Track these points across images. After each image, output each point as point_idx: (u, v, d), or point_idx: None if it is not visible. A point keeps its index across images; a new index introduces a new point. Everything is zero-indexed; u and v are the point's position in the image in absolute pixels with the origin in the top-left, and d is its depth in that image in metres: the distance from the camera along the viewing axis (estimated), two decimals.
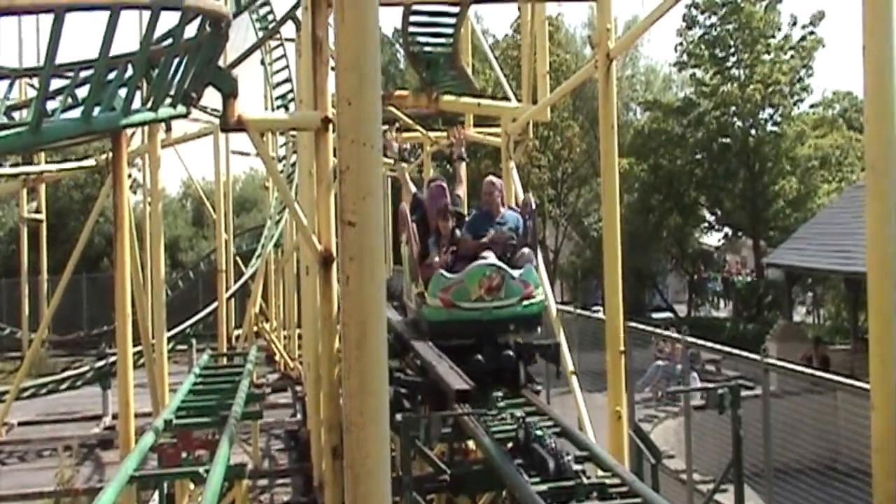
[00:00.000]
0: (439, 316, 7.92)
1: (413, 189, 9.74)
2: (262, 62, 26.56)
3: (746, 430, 7.53)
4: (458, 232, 8.70)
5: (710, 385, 7.32)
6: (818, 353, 20.49)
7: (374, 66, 3.23)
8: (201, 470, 6.84)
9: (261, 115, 12.54)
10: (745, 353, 9.06)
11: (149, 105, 7.04)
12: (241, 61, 18.75)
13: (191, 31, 6.90)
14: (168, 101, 7.32)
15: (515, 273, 7.94)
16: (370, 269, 3.25)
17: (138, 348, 14.18)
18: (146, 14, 6.69)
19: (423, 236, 8.82)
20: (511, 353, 7.76)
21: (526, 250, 8.40)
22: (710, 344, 10.78)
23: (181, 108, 7.38)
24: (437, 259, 8.39)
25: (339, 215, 3.29)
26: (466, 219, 8.97)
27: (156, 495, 7.93)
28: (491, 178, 9.12)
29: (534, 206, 8.89)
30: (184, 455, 7.88)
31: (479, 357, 7.58)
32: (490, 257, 8.09)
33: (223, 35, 7.26)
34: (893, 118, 5.13)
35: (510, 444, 6.77)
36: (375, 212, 3.26)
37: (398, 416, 6.38)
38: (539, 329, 8.28)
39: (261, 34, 23.21)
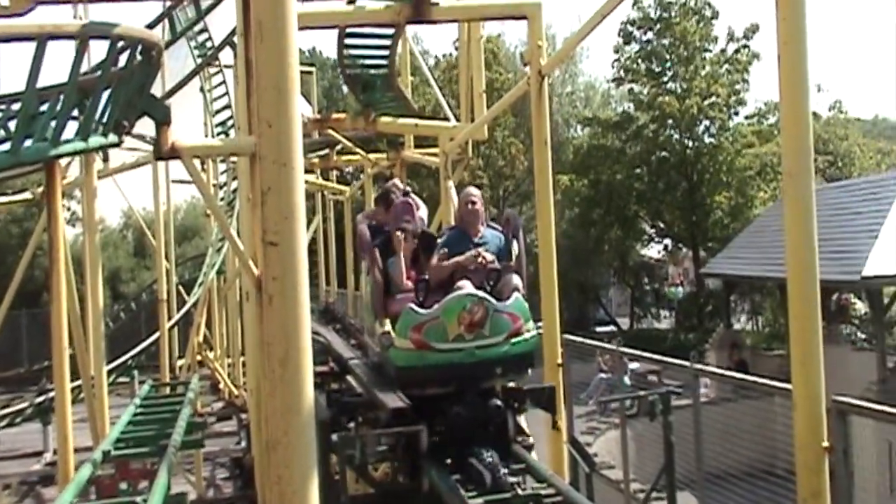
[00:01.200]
0: (410, 360, 6.60)
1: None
2: (202, 90, 26.42)
3: (685, 438, 7.66)
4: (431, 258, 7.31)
5: (642, 393, 7.45)
6: (733, 358, 20.94)
7: (293, 89, 3.30)
8: (139, 500, 6.76)
9: (194, 142, 12.45)
10: (674, 361, 9.13)
11: (79, 135, 7.02)
12: (178, 89, 18.63)
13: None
14: (100, 130, 7.30)
15: (501, 305, 6.63)
16: (293, 289, 3.30)
17: (78, 382, 13.98)
18: None
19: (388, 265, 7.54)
20: (498, 402, 6.54)
21: (513, 277, 7.03)
22: (645, 354, 10.91)
23: (113, 138, 7.34)
24: (401, 283, 7.24)
25: (262, 236, 3.35)
26: (439, 240, 7.59)
27: None
28: (469, 188, 7.75)
29: (519, 223, 7.56)
30: (123, 486, 7.79)
31: (459, 409, 6.41)
32: (467, 286, 6.75)
33: (154, 63, 7.25)
34: (808, 124, 5.30)
35: (448, 460, 6.55)
36: (297, 232, 3.32)
37: (334, 437, 6.41)
38: (531, 371, 7.03)
39: (199, 62, 23.10)
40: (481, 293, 6.65)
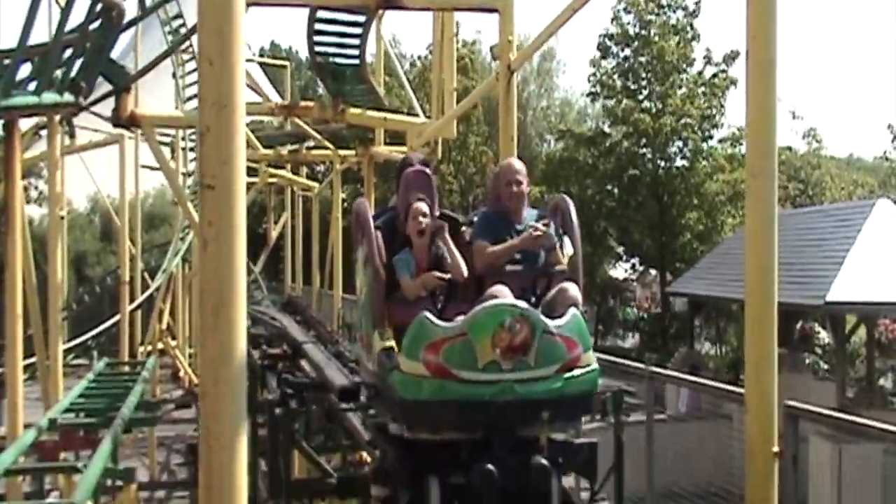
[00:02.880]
0: (422, 391, 4.72)
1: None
2: (174, 76, 26.22)
3: (655, 458, 7.57)
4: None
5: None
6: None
7: (236, 27, 3.18)
8: (80, 465, 6.67)
9: (155, 111, 12.29)
10: (632, 363, 9.06)
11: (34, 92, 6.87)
12: (149, 69, 18.47)
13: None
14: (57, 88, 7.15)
15: (553, 324, 4.78)
16: (229, 235, 3.18)
17: (34, 360, 13.79)
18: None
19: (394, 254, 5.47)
20: (543, 461, 4.78)
21: (569, 286, 5.21)
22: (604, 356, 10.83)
23: (69, 97, 7.21)
24: (410, 285, 5.28)
25: (200, 180, 3.23)
26: (467, 230, 5.77)
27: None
28: (510, 161, 5.99)
29: (571, 211, 5.67)
30: (66, 455, 7.70)
31: (489, 468, 4.65)
32: (504, 294, 4.98)
33: (115, 25, 7.14)
34: (774, 125, 5.25)
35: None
36: (237, 176, 3.20)
37: (278, 411, 6.27)
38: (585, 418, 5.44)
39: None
40: (525, 305, 4.82)
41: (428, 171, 5.86)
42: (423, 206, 5.39)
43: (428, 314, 4.79)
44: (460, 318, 4.75)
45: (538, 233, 5.27)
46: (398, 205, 5.69)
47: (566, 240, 5.50)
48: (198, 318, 8.18)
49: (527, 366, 4.66)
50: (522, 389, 4.67)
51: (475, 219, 5.80)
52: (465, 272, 5.25)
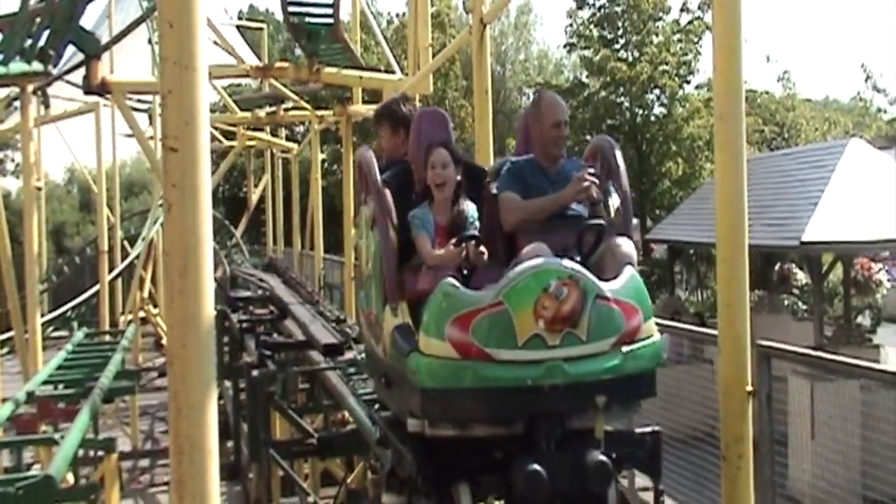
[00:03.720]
0: (448, 376, 3.85)
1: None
2: (150, 41, 25.99)
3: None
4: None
5: None
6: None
7: None
8: (57, 436, 6.67)
9: (125, 77, 12.20)
10: None
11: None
12: (123, 36, 18.25)
13: None
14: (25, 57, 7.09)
15: (607, 287, 3.97)
16: (193, 197, 3.18)
17: (12, 333, 13.77)
18: None
19: (406, 216, 4.53)
20: (601, 456, 3.85)
21: (622, 241, 4.34)
22: None
23: (37, 66, 7.16)
24: (432, 253, 4.33)
25: (162, 142, 3.23)
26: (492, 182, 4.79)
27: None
28: (550, 95, 4.99)
29: (617, 157, 4.70)
30: (45, 428, 7.69)
31: (536, 467, 3.73)
32: (546, 252, 4.05)
33: None
34: (740, 67, 5.26)
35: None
36: (200, 137, 3.20)
37: (255, 373, 6.27)
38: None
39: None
40: (573, 264, 3.95)
41: (443, 111, 5.15)
42: (445, 154, 4.53)
43: (453, 281, 3.90)
44: (491, 286, 3.86)
45: (586, 183, 4.37)
46: (410, 153, 4.87)
47: (611, 188, 4.61)
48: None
49: (577, 340, 3.82)
50: (573, 369, 3.81)
51: (502, 167, 4.80)
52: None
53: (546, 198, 4.49)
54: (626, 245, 4.30)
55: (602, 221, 4.31)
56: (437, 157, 4.52)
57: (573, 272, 3.84)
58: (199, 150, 3.21)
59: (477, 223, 4.46)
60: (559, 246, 4.13)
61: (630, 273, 4.07)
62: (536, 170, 4.67)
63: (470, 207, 4.52)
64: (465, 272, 4.09)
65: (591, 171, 4.49)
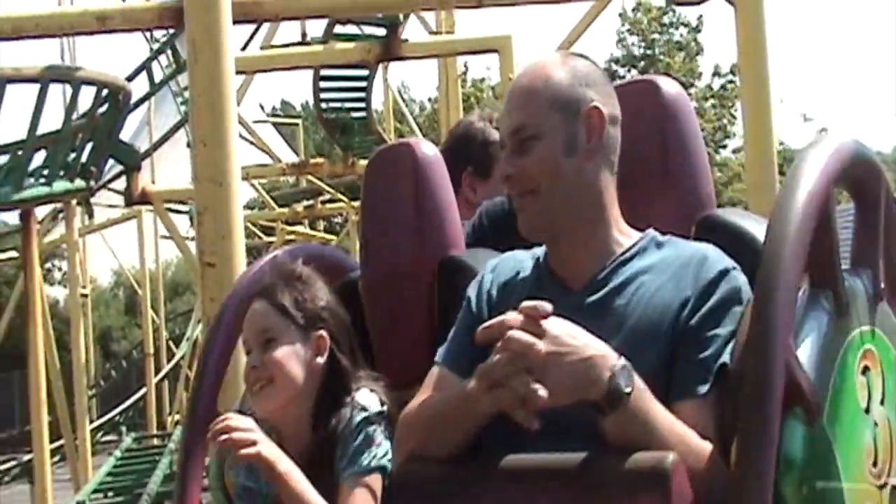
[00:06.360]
0: None
1: None
2: (189, 145, 26.40)
3: None
4: None
5: None
6: None
7: (228, 106, 3.23)
8: None
9: (164, 187, 12.42)
10: None
11: (45, 181, 6.97)
12: (162, 142, 18.60)
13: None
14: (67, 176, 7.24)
15: None
16: None
17: (62, 442, 13.81)
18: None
19: None
20: None
21: None
22: None
23: (80, 183, 7.29)
24: None
25: (199, 257, 3.26)
26: None
27: None
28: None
29: None
30: None
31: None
32: None
33: (122, 107, 7.23)
34: (771, 138, 5.27)
35: None
36: (236, 251, 3.23)
37: None
38: None
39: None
40: None
41: None
42: None
43: None
44: None
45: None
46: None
47: None
48: None
49: None
50: None
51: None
52: None
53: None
54: None
55: None
56: None
57: None
58: (235, 264, 3.24)
59: None
60: None
61: None
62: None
63: None
64: None
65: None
